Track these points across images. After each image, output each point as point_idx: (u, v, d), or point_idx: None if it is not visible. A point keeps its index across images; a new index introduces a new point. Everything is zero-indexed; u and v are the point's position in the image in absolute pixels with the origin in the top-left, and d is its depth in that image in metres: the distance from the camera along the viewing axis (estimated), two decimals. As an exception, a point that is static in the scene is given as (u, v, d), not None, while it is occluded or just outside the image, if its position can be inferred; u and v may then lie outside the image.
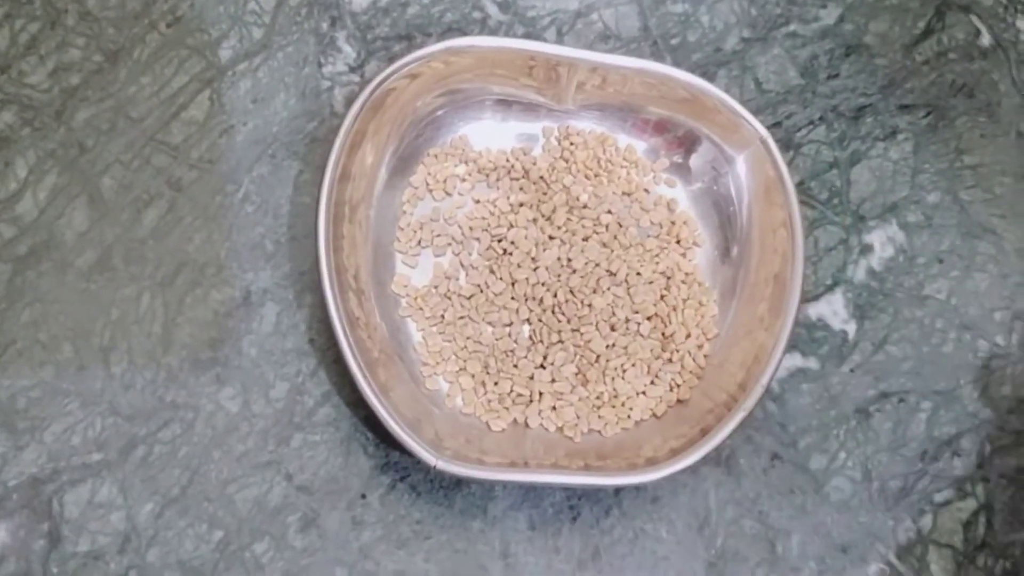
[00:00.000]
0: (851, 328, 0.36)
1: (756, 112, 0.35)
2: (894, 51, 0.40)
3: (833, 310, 0.36)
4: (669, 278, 0.35)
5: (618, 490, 0.33)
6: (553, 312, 0.34)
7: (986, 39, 0.40)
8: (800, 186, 0.37)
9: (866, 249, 0.37)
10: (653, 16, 0.39)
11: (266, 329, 0.33)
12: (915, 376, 0.35)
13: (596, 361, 0.33)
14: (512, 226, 0.35)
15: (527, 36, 0.38)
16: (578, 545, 0.32)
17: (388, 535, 0.31)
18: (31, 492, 0.30)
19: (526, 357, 0.33)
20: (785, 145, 0.38)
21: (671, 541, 0.32)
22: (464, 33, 0.38)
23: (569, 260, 0.34)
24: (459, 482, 0.32)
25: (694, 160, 0.36)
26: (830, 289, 0.36)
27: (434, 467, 0.29)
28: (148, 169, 0.34)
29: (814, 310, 0.36)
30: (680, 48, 0.39)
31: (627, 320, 0.34)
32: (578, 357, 0.33)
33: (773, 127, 0.38)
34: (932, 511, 0.33)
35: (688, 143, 0.36)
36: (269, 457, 0.32)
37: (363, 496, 0.32)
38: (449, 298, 0.34)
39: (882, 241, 0.37)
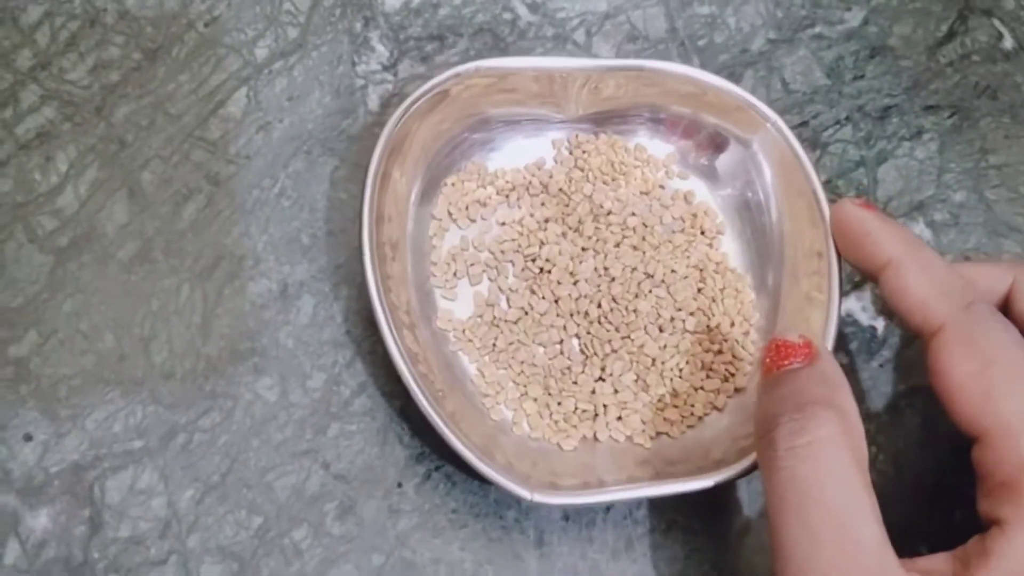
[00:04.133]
0: (880, 324, 0.36)
1: (783, 112, 0.36)
2: (918, 53, 0.40)
3: (862, 306, 0.36)
4: (702, 270, 0.35)
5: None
6: (600, 323, 0.34)
7: (1008, 42, 0.41)
8: (828, 184, 0.38)
9: (893, 246, 0.37)
10: (680, 18, 0.40)
11: (303, 320, 0.33)
12: (945, 370, 0.35)
13: (652, 364, 0.33)
14: (543, 243, 0.35)
15: (556, 37, 0.39)
16: (611, 535, 0.32)
17: (424, 523, 0.32)
18: (72, 478, 0.31)
19: (584, 372, 0.33)
20: (812, 144, 0.38)
21: (703, 533, 0.33)
22: (495, 34, 0.38)
23: (606, 269, 0.34)
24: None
25: (722, 161, 0.36)
26: (859, 286, 0.36)
27: (530, 500, 0.29)
28: (187, 164, 0.35)
29: (843, 306, 0.36)
30: (707, 49, 0.39)
31: (672, 319, 0.34)
32: (634, 364, 0.33)
33: (800, 126, 0.38)
34: (963, 504, 0.33)
35: (715, 144, 0.36)
36: (307, 446, 0.32)
37: (399, 485, 0.32)
38: (497, 325, 0.34)
39: (909, 239, 0.37)
